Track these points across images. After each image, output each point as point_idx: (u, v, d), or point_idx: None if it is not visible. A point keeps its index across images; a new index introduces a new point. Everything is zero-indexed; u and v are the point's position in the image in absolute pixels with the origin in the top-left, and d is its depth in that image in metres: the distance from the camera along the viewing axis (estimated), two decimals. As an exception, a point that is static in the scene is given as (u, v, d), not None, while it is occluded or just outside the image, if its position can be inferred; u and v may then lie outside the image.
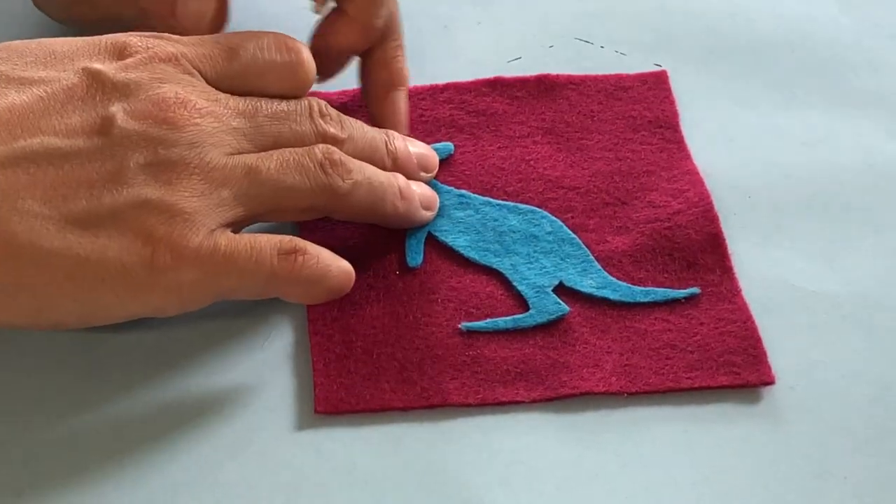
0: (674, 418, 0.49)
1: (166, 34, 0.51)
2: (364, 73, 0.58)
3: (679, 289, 0.52)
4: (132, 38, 0.50)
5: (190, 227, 0.47)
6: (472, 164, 0.57)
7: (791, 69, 0.62)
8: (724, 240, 0.54)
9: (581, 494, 0.47)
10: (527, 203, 0.55)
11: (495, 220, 0.55)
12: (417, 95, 0.59)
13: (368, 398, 0.49)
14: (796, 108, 0.60)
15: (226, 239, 0.48)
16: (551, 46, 0.62)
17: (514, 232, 0.54)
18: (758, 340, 0.51)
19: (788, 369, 0.50)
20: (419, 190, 0.54)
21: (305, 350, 0.51)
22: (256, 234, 0.48)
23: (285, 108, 0.51)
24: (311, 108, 0.52)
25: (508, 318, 0.51)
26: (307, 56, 0.53)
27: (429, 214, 0.54)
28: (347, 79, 0.59)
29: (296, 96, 0.52)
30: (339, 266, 0.50)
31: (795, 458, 0.48)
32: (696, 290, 0.52)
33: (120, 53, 0.50)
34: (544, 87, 0.60)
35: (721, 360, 0.50)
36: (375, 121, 0.57)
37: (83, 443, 0.47)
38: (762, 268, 0.54)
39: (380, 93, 0.57)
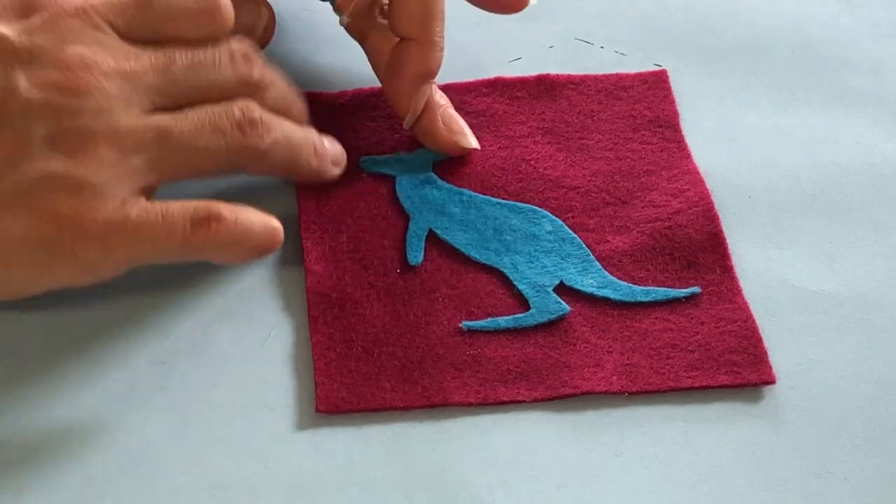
0: (674, 418, 0.48)
1: None
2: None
3: (679, 288, 0.52)
4: None
5: (98, 199, 0.45)
6: (473, 164, 0.56)
7: (791, 69, 0.61)
8: (724, 239, 0.53)
9: (581, 494, 0.46)
10: (527, 202, 0.55)
11: (496, 218, 0.54)
12: None
13: (369, 398, 0.48)
14: (796, 108, 0.60)
15: (137, 209, 0.46)
16: (551, 47, 0.62)
17: (514, 231, 0.54)
18: (758, 340, 0.50)
19: (788, 369, 0.50)
20: (330, 147, 0.53)
21: (306, 349, 0.50)
22: (170, 202, 0.47)
23: (202, 57, 0.48)
24: (231, 52, 0.49)
25: (509, 317, 0.51)
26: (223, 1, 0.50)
27: (337, 171, 0.53)
28: (347, 79, 0.59)
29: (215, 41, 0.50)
30: (262, 223, 0.48)
31: (795, 458, 0.47)
32: (696, 289, 0.52)
33: (24, 10, 0.47)
34: (544, 87, 0.59)
35: (722, 360, 0.50)
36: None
37: (83, 443, 0.47)
38: (762, 268, 0.53)
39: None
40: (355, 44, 0.58)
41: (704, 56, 0.62)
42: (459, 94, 0.59)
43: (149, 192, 0.47)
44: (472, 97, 0.59)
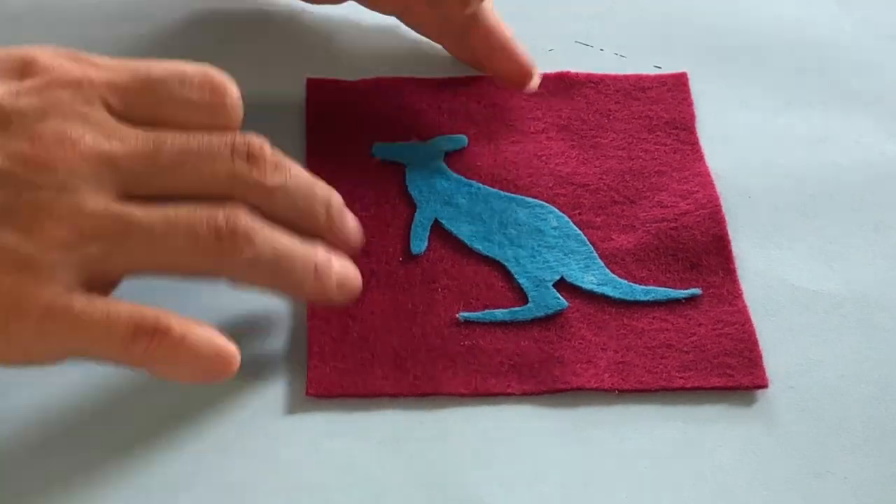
0: (674, 418, 0.47)
1: (84, 55, 0.45)
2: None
3: (681, 289, 0.51)
4: (42, 55, 0.44)
5: (44, 281, 0.41)
6: (485, 157, 0.55)
7: (791, 69, 0.60)
8: (728, 242, 0.52)
9: (581, 494, 0.45)
10: (536, 197, 0.54)
11: (502, 211, 0.53)
12: (436, 86, 0.58)
13: (360, 384, 0.47)
14: (796, 108, 0.58)
15: (83, 301, 0.41)
16: (551, 50, 0.61)
17: (519, 225, 0.53)
18: (755, 343, 0.49)
19: (788, 369, 0.49)
20: (339, 269, 0.46)
21: (306, 349, 0.49)
22: (119, 303, 0.42)
23: (197, 145, 0.43)
24: (233, 146, 0.44)
25: (506, 310, 0.50)
26: (232, 97, 0.45)
27: (341, 298, 0.47)
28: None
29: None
30: (214, 349, 0.43)
31: (795, 458, 0.46)
32: (697, 290, 0.51)
33: (23, 71, 0.44)
34: (563, 85, 0.58)
35: (716, 362, 0.48)
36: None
37: (83, 442, 0.46)
38: (762, 268, 0.52)
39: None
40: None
41: (704, 58, 0.60)
42: (478, 85, 0.58)
43: (107, 285, 0.43)
44: (491, 89, 0.58)
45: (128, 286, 0.50)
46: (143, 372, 0.44)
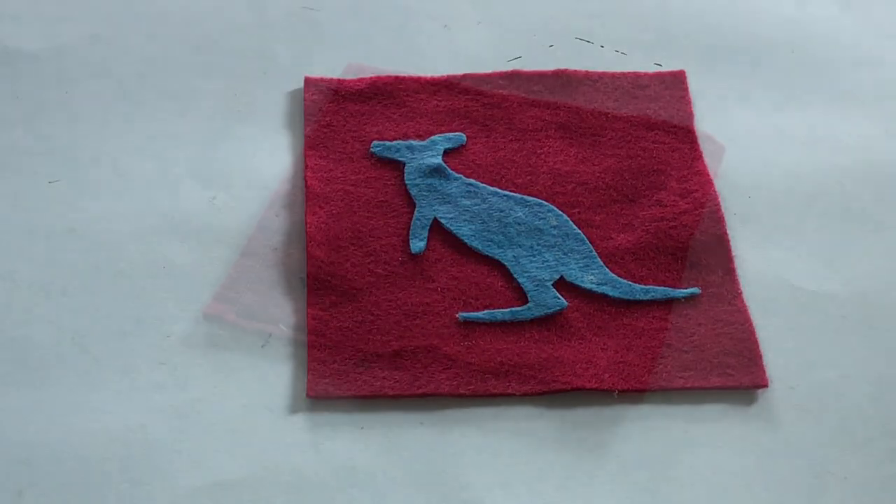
0: (675, 418, 0.47)
1: None
2: None
3: (681, 288, 0.50)
4: None
5: None
6: (483, 155, 0.55)
7: (791, 69, 0.59)
8: (728, 241, 0.52)
9: (581, 494, 0.45)
10: (535, 196, 0.53)
11: (501, 210, 0.52)
12: (435, 85, 0.57)
13: (360, 385, 0.47)
14: (796, 107, 0.58)
15: None
16: (551, 46, 0.60)
17: (519, 224, 0.52)
18: (755, 343, 0.48)
19: (788, 369, 0.48)
20: None
21: (306, 350, 0.48)
22: None
23: None
24: None
25: (506, 310, 0.49)
26: None
27: None
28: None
29: None
30: None
31: (795, 457, 0.46)
32: (696, 290, 0.50)
33: None
34: (561, 83, 0.57)
35: (716, 362, 0.48)
36: None
37: (84, 443, 0.45)
38: (762, 268, 0.51)
39: None
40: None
41: (704, 56, 0.60)
42: (476, 84, 0.57)
43: None
44: (489, 89, 0.57)
45: (130, 286, 0.50)
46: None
